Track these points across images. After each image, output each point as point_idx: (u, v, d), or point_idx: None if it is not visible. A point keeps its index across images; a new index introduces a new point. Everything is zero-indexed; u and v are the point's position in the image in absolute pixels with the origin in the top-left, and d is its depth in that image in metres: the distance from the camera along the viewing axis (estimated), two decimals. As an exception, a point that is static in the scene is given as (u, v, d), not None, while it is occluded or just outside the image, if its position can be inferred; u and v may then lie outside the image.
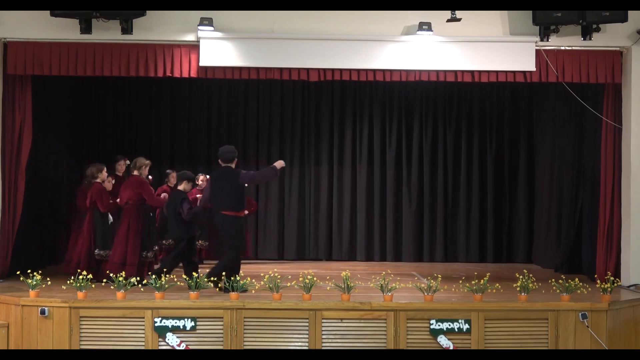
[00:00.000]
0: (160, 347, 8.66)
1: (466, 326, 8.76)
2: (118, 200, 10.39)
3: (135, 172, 10.28)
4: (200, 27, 10.20)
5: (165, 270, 9.67)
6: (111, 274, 8.91)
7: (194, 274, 8.92)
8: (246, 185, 9.79)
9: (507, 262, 13.83)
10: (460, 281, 9.25)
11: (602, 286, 9.04)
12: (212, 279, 9.33)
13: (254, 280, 9.42)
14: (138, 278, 9.10)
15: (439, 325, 8.75)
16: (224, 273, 9.07)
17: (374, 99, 14.14)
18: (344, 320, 8.77)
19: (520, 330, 8.83)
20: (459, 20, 10.21)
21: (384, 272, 9.24)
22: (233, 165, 9.77)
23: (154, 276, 9.08)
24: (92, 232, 10.43)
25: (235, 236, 9.59)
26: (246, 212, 10.25)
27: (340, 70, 10.61)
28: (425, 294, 8.92)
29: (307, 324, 8.74)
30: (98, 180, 10.49)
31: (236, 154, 9.86)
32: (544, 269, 12.70)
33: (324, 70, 10.59)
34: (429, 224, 14.05)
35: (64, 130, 12.80)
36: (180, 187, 10.14)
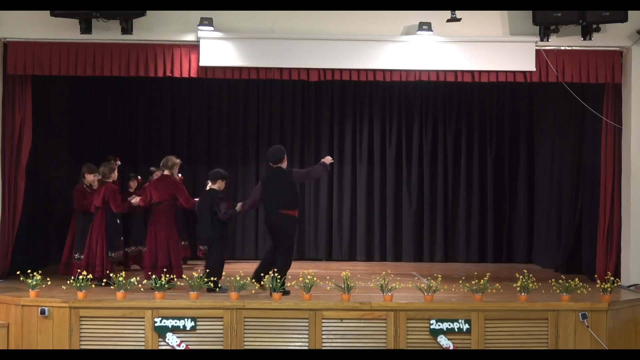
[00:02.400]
0: (160, 347, 8.66)
1: (466, 326, 8.76)
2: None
3: (167, 172, 10.04)
4: (200, 27, 10.20)
5: (217, 274, 9.45)
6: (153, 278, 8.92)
7: (194, 273, 8.92)
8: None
9: (507, 262, 13.83)
10: (460, 281, 9.25)
11: (602, 286, 9.04)
12: (260, 279, 9.39)
13: (253, 280, 9.44)
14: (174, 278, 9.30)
15: (439, 325, 8.76)
16: (268, 273, 9.08)
17: (374, 99, 14.13)
18: (344, 320, 8.78)
19: (520, 330, 8.83)
20: (459, 20, 10.21)
21: (384, 272, 9.24)
22: (283, 165, 9.74)
23: (213, 279, 9.14)
24: (106, 233, 10.17)
25: (294, 235, 9.74)
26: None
27: (340, 70, 10.61)
28: (425, 294, 8.93)
29: (307, 324, 8.74)
30: (109, 180, 10.24)
31: (284, 153, 9.83)
32: (544, 269, 12.70)
33: (324, 70, 10.60)
34: (429, 224, 14.04)
35: (64, 130, 12.80)
36: (215, 186, 9.77)
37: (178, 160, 10.21)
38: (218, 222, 9.58)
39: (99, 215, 10.12)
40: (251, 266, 10.01)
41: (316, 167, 9.89)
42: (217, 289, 9.21)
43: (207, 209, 9.59)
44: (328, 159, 9.83)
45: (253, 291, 9.28)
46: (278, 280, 8.90)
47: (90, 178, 10.78)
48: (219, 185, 9.78)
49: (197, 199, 10.01)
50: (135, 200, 10.28)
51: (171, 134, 14.05)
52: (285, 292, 9.20)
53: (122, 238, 10.77)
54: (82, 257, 10.20)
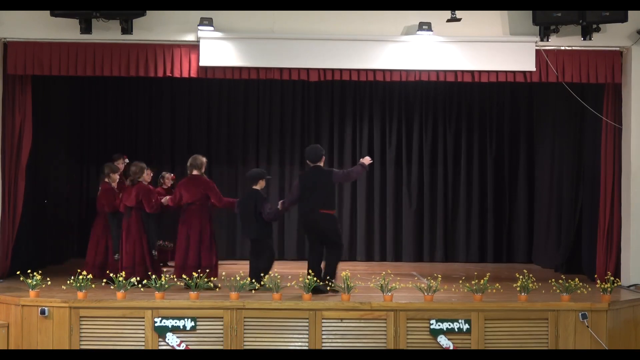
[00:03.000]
0: (160, 347, 8.66)
1: (466, 326, 8.76)
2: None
3: (196, 172, 9.98)
4: (200, 27, 10.20)
5: (263, 274, 9.49)
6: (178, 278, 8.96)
7: (194, 274, 8.92)
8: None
9: (507, 262, 13.82)
10: (460, 281, 9.25)
11: (602, 286, 9.04)
12: (327, 279, 9.46)
13: (254, 280, 9.44)
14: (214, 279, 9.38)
15: (439, 325, 8.75)
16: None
17: (374, 99, 14.13)
18: (344, 320, 8.78)
19: (520, 330, 8.83)
20: (459, 20, 10.21)
21: (384, 272, 9.24)
22: (322, 164, 9.74)
23: (261, 282, 9.23)
24: (146, 233, 10.01)
25: (339, 233, 9.83)
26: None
27: (340, 70, 10.61)
28: (425, 294, 8.92)
29: (307, 324, 8.74)
30: (140, 179, 10.08)
31: (323, 152, 9.86)
32: (544, 269, 12.70)
33: (324, 70, 10.59)
34: (429, 224, 14.04)
35: (64, 130, 12.81)
36: (257, 187, 9.80)
37: (205, 159, 10.15)
38: (263, 222, 9.64)
39: (135, 215, 9.95)
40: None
41: (356, 168, 9.88)
42: (260, 286, 9.27)
43: (252, 210, 9.64)
44: (367, 159, 9.88)
45: (253, 291, 9.26)
46: (327, 280, 9.04)
47: (116, 177, 10.64)
48: (260, 185, 9.83)
49: (230, 199, 10.13)
50: (166, 199, 10.22)
51: (171, 134, 14.05)
52: (335, 291, 9.28)
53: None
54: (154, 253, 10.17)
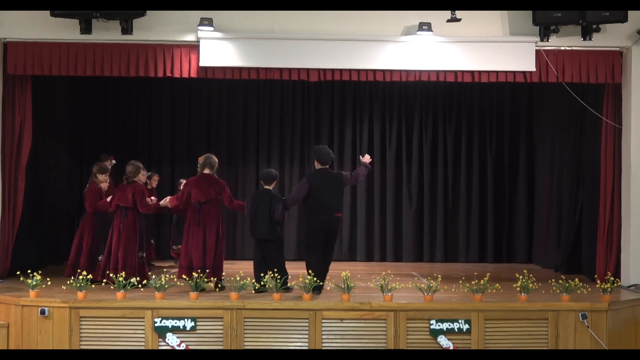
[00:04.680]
0: (160, 347, 8.66)
1: (466, 326, 8.77)
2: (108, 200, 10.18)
3: (207, 171, 9.90)
4: (200, 27, 10.20)
5: (283, 272, 9.46)
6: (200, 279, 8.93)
7: (194, 274, 8.93)
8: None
9: (507, 262, 13.83)
10: (460, 281, 9.26)
11: (602, 286, 9.04)
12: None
13: (253, 281, 9.44)
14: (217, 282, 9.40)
15: (439, 326, 8.76)
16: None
17: (374, 99, 14.14)
18: (344, 321, 8.78)
19: (520, 330, 8.83)
20: (459, 20, 10.21)
21: (384, 272, 9.25)
22: (327, 166, 9.78)
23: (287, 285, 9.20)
24: (137, 234, 9.96)
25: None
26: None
27: (340, 70, 10.61)
28: (425, 294, 8.93)
29: (307, 324, 8.74)
30: (136, 179, 10.03)
31: (333, 156, 9.93)
32: (544, 269, 12.70)
33: (324, 70, 10.59)
34: (429, 224, 14.04)
35: (64, 130, 12.81)
36: (270, 187, 9.76)
37: (216, 159, 10.07)
38: (274, 222, 9.61)
39: (131, 215, 9.89)
40: (250, 265, 9.97)
41: (361, 170, 9.90)
42: (286, 287, 9.25)
43: (267, 210, 9.58)
44: (367, 158, 9.90)
45: (252, 291, 9.26)
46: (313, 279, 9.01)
47: (104, 178, 10.55)
48: (273, 185, 9.82)
49: (240, 202, 10.08)
50: (165, 201, 10.12)
51: (171, 134, 14.06)
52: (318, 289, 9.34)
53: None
54: (144, 254, 10.11)
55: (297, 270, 10.05)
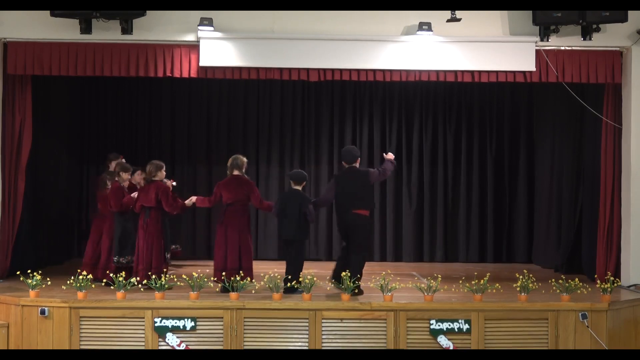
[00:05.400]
0: (160, 347, 8.66)
1: (466, 326, 8.76)
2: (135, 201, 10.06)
3: (237, 172, 9.78)
4: (200, 27, 10.20)
5: (289, 277, 9.43)
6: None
7: (194, 273, 8.92)
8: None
9: (507, 262, 13.81)
10: (460, 281, 9.26)
11: (602, 286, 9.04)
12: (333, 280, 9.49)
13: (254, 281, 9.44)
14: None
15: (439, 326, 8.76)
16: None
17: (374, 99, 14.13)
18: (344, 320, 8.78)
19: (520, 330, 8.84)
20: (459, 20, 10.21)
21: (384, 272, 9.25)
22: (357, 165, 9.76)
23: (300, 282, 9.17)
24: (162, 234, 9.84)
25: (368, 236, 9.90)
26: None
27: (340, 70, 10.61)
28: (425, 294, 8.93)
29: (307, 324, 8.74)
30: (157, 178, 9.87)
31: (359, 153, 9.92)
32: (544, 269, 12.69)
33: (324, 70, 10.59)
34: (429, 224, 14.03)
35: (64, 130, 12.80)
36: (299, 187, 9.73)
37: (245, 159, 9.97)
38: (304, 222, 9.60)
39: (154, 215, 9.75)
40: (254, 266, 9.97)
41: (387, 166, 9.85)
42: (296, 288, 9.26)
43: (297, 210, 9.56)
44: (391, 155, 9.94)
45: (253, 291, 9.27)
46: (351, 281, 8.91)
47: (126, 176, 10.38)
48: (302, 186, 9.80)
49: (269, 202, 10.10)
50: (190, 200, 9.98)
51: (171, 134, 14.04)
52: (360, 292, 9.24)
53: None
54: (126, 259, 9.98)
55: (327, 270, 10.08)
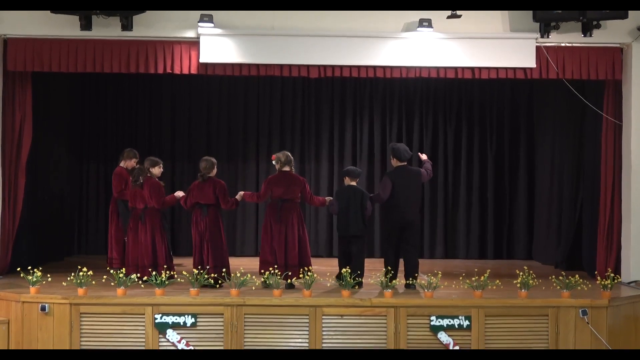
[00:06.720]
0: (161, 343, 8.66)
1: (466, 323, 8.77)
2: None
3: (287, 168, 9.81)
4: (200, 24, 10.19)
5: (359, 272, 9.47)
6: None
7: (194, 270, 8.92)
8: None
9: (508, 258, 13.82)
10: (461, 278, 9.27)
11: (603, 283, 9.05)
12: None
13: (254, 277, 9.43)
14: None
15: (439, 322, 8.76)
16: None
17: (374, 95, 14.12)
18: (344, 317, 8.78)
19: (521, 326, 8.84)
20: (459, 16, 10.20)
21: (384, 269, 9.24)
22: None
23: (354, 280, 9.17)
24: (222, 230, 9.81)
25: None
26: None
27: (341, 66, 10.60)
28: (426, 290, 8.93)
29: (307, 321, 8.75)
30: (211, 175, 9.78)
31: (410, 152, 10.08)
32: (544, 265, 12.69)
33: (324, 66, 10.58)
34: (429, 221, 14.03)
35: (64, 127, 12.80)
36: (354, 183, 9.82)
37: (291, 156, 9.99)
38: (365, 218, 9.72)
39: (213, 213, 9.70)
40: (252, 263, 9.98)
41: (428, 166, 10.20)
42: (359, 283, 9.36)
43: (358, 206, 9.66)
44: (424, 155, 10.31)
45: (253, 288, 9.27)
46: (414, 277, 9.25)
47: (159, 171, 10.18)
48: (356, 182, 9.89)
49: (320, 198, 10.27)
50: (240, 196, 9.94)
51: (171, 130, 14.03)
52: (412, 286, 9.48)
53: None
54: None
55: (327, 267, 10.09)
